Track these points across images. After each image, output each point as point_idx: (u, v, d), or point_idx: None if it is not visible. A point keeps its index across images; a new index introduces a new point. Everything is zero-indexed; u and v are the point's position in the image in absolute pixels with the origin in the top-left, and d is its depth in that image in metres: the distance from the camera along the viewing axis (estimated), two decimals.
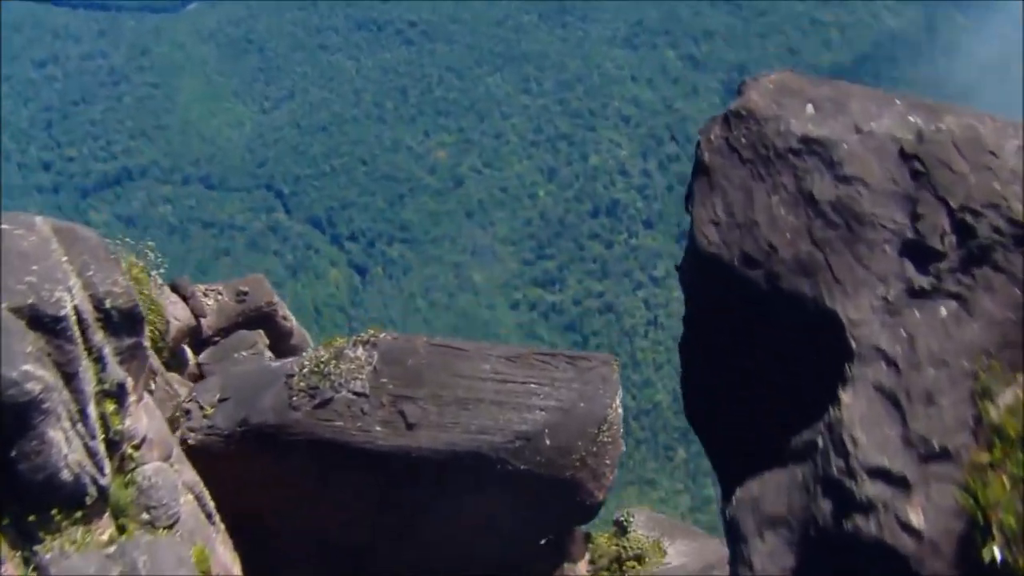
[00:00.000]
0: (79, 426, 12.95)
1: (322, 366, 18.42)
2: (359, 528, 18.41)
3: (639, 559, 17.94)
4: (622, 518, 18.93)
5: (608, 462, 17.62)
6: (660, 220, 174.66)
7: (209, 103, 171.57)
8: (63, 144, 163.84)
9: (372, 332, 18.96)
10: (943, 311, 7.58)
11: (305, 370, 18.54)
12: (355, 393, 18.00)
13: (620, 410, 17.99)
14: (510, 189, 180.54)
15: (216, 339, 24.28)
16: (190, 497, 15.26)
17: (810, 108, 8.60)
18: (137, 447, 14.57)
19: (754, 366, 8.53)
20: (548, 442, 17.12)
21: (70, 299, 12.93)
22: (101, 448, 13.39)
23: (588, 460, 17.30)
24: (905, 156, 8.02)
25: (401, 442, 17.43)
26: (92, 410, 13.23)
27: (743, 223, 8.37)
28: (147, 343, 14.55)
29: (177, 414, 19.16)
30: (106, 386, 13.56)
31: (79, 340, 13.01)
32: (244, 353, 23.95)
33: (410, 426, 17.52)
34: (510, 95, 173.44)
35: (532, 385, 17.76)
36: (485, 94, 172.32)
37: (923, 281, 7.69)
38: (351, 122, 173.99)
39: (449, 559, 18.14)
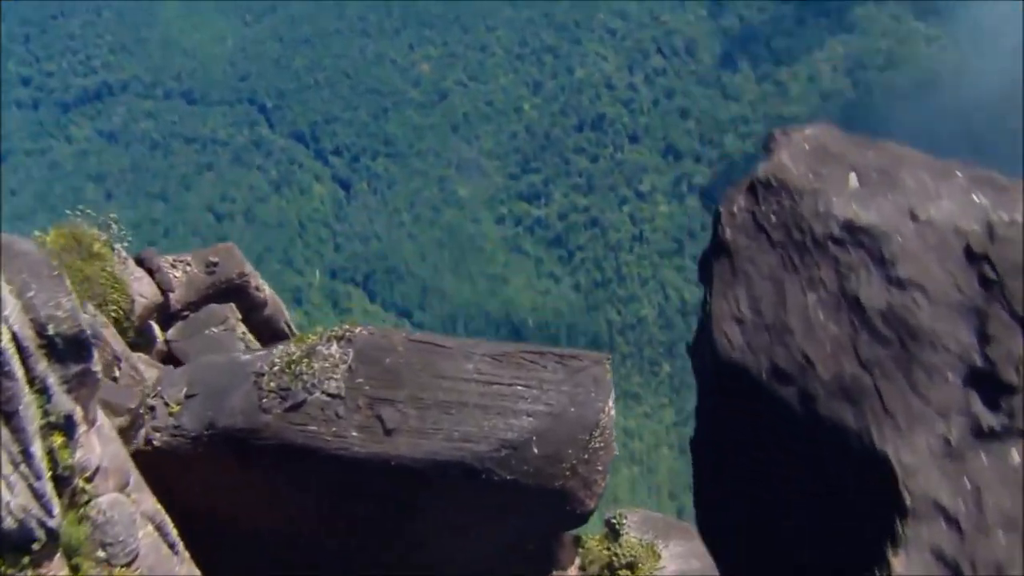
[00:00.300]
0: (22, 467, 11.64)
1: (293, 365, 17.01)
2: (338, 533, 17.23)
3: (632, 567, 16.83)
4: (614, 520, 17.76)
5: (600, 468, 16.36)
6: (646, 134, 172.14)
7: (190, 17, 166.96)
8: (42, 59, 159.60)
9: (347, 327, 17.52)
10: (1015, 458, 6.17)
11: (276, 368, 17.13)
12: (329, 395, 16.63)
13: (613, 412, 16.68)
14: (495, 103, 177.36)
15: (185, 313, 22.76)
16: (150, 528, 13.95)
17: (854, 180, 7.06)
18: (90, 479, 13.27)
19: (785, 491, 7.13)
20: (536, 451, 15.83)
21: (7, 329, 11.50)
22: (48, 487, 12.06)
23: (579, 468, 16.04)
24: (972, 256, 6.50)
25: (379, 449, 16.12)
26: (37, 448, 11.87)
27: (773, 325, 6.90)
28: (97, 367, 13.07)
29: (141, 410, 17.77)
30: (52, 419, 12.22)
31: (19, 374, 11.61)
32: (215, 329, 22.48)
33: (388, 432, 16.20)
34: (495, 7, 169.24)
35: (519, 387, 16.39)
36: (469, 6, 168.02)
37: (992, 419, 6.28)
38: (334, 35, 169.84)
39: (431, 565, 17.05)
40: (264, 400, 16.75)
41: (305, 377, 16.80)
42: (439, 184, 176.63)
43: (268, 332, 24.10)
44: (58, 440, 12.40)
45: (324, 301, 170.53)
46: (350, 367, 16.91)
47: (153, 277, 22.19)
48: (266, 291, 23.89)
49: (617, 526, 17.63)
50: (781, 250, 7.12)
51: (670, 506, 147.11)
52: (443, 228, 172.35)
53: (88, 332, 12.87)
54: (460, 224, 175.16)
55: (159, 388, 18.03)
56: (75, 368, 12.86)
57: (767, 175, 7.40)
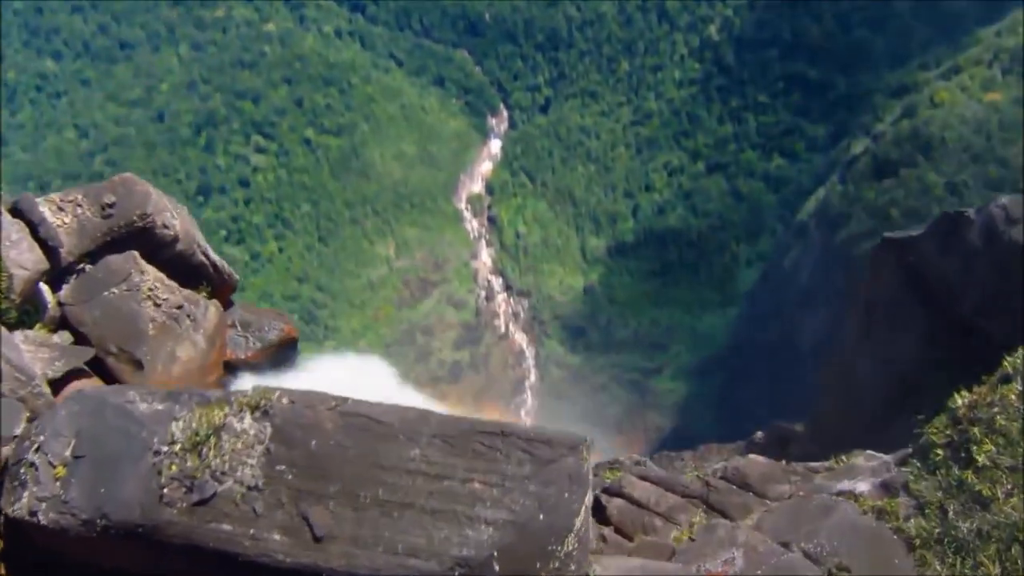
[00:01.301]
0: None
1: (199, 445, 13.28)
2: None
3: None
4: None
5: (574, 568, 13.21)
6: None
7: None
8: None
9: (263, 394, 13.58)
10: None
11: (177, 447, 13.41)
12: (244, 485, 13.07)
13: (591, 499, 13.36)
14: None
15: (80, 266, 18.49)
16: None
17: None
18: None
19: None
20: (498, 568, 12.60)
21: None
22: None
23: None
24: None
25: (307, 559, 12.80)
26: None
27: None
28: None
29: (22, 468, 14.18)
30: None
31: None
32: (116, 290, 18.36)
33: (318, 539, 12.82)
34: None
35: (476, 485, 12.89)
36: None
37: None
38: None
39: None
40: (165, 490, 13.19)
41: (214, 462, 13.16)
42: None
43: (182, 268, 20.04)
44: None
45: None
46: (268, 449, 13.25)
47: (36, 233, 17.77)
48: (176, 225, 19.43)
49: None
50: None
51: (625, 204, 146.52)
52: None
53: None
54: None
55: (40, 438, 14.27)
56: None
57: None
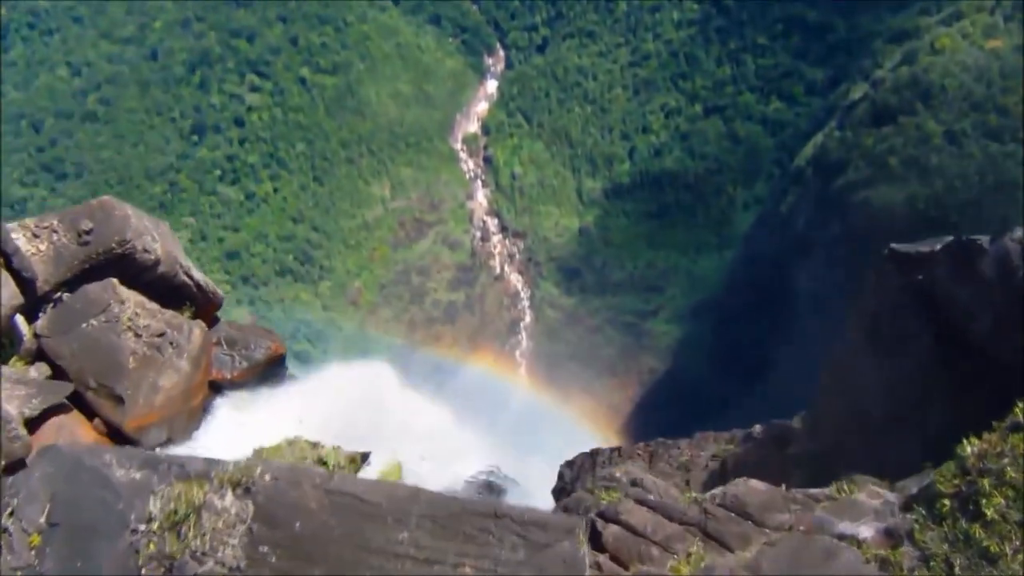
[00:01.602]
0: None
1: (178, 524, 12.56)
2: None
3: None
4: None
5: None
6: None
7: None
8: None
9: (245, 470, 12.80)
10: None
11: (156, 524, 12.69)
12: (225, 567, 12.39)
13: None
14: None
15: (57, 296, 17.59)
16: None
17: None
18: None
19: None
20: None
21: None
22: None
23: None
24: None
25: None
26: None
27: None
28: None
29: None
30: None
31: None
32: (94, 322, 17.50)
33: None
34: None
35: (467, 571, 12.22)
36: None
37: None
38: None
39: None
40: (143, 570, 12.51)
41: (194, 542, 12.46)
42: None
43: (164, 290, 19.16)
44: None
45: None
46: (251, 529, 12.54)
47: (9, 264, 16.84)
48: (156, 248, 18.48)
49: None
50: None
51: (622, 146, 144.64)
52: None
53: None
54: None
55: (14, 502, 13.56)
56: None
57: None
